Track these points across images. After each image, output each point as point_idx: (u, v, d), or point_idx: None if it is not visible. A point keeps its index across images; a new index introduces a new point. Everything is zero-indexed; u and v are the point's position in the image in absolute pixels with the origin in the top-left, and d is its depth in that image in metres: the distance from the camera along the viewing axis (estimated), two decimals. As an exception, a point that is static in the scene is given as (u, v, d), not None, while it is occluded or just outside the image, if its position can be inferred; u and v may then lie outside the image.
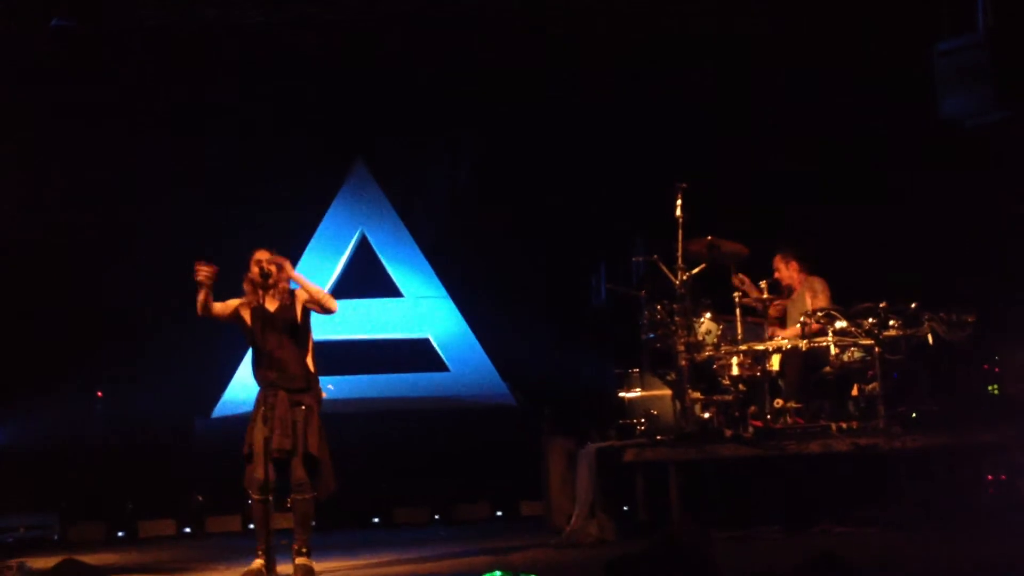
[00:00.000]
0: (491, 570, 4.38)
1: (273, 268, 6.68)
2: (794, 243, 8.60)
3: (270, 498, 6.50)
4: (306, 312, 6.80)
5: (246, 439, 6.60)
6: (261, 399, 6.60)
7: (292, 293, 6.77)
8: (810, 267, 8.48)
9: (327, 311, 6.84)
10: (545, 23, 10.27)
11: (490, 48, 10.51)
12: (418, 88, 10.84)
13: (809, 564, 3.98)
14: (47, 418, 9.97)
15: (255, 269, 6.70)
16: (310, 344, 6.82)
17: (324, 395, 6.83)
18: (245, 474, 6.61)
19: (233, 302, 6.74)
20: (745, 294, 8.11)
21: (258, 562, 6.50)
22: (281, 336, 6.66)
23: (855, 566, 4.08)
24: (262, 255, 6.74)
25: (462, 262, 11.26)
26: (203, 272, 6.50)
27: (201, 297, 6.53)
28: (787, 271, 8.48)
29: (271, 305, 6.70)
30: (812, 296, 8.27)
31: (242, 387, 10.24)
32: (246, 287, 6.73)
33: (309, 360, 6.77)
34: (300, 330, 6.74)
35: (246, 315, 6.71)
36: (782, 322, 8.48)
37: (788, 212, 9.72)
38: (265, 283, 6.67)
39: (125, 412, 10.25)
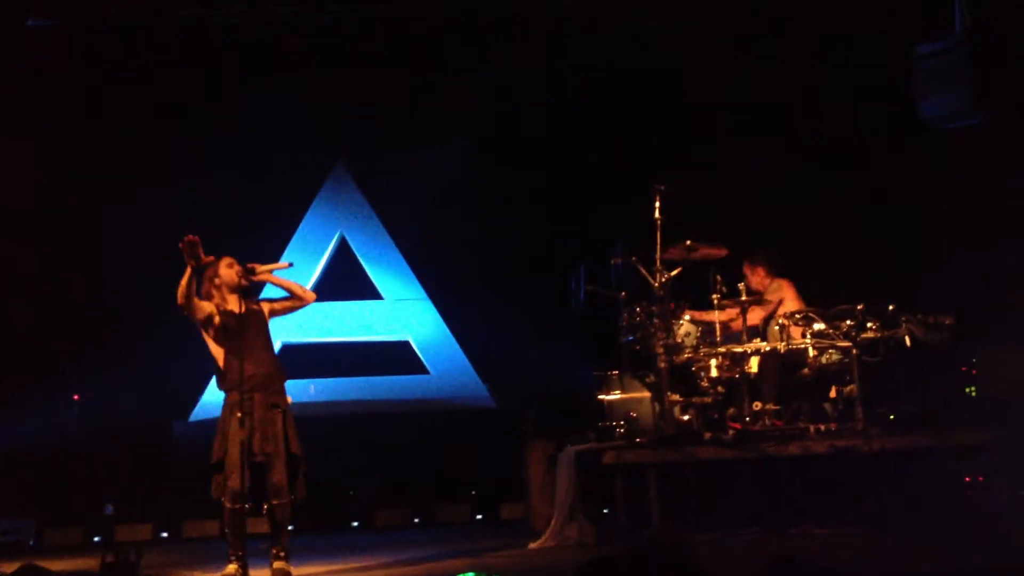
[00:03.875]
0: (467, 572, 4.34)
1: (259, 267, 6.64)
2: (761, 248, 8.60)
3: (246, 506, 6.41)
4: (268, 318, 6.76)
5: (215, 448, 6.49)
6: (233, 404, 6.45)
7: (257, 299, 6.76)
8: (777, 270, 8.49)
9: (305, 302, 6.84)
10: (524, 26, 10.29)
11: (470, 51, 10.52)
12: (399, 91, 10.82)
13: (768, 568, 3.95)
14: (24, 422, 9.89)
15: (230, 273, 6.63)
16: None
17: (290, 400, 6.77)
18: (212, 484, 6.49)
19: (205, 302, 6.64)
20: (724, 295, 8.10)
21: (232, 567, 6.42)
22: (256, 339, 6.60)
23: (818, 567, 4.06)
24: (231, 260, 6.68)
25: (442, 264, 11.24)
26: (188, 250, 6.38)
27: (186, 280, 6.40)
28: (754, 277, 8.48)
29: (239, 308, 6.55)
30: (779, 296, 8.29)
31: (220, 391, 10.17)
32: (213, 292, 6.63)
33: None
34: (269, 335, 6.72)
35: (216, 317, 6.60)
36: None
37: (765, 213, 9.74)
38: (248, 285, 6.60)
39: (103, 416, 10.16)
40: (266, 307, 6.78)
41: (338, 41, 10.51)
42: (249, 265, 6.64)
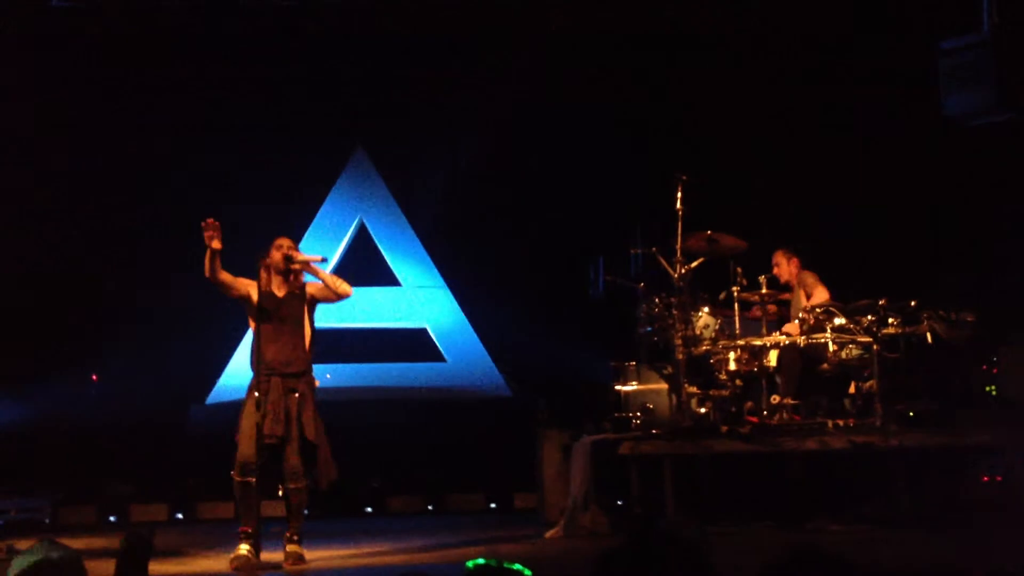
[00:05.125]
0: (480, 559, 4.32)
1: (298, 255, 6.67)
2: (793, 239, 8.56)
3: (252, 480, 6.43)
4: (312, 304, 6.81)
5: (238, 425, 6.54)
6: (254, 385, 6.54)
7: (303, 284, 6.78)
8: (805, 263, 8.45)
9: (343, 296, 6.85)
10: (546, 14, 10.26)
11: (490, 38, 10.49)
12: (419, 77, 10.80)
13: (790, 559, 3.89)
14: (42, 401, 9.94)
15: (277, 255, 6.68)
16: (311, 336, 6.80)
17: (317, 384, 6.78)
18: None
19: (245, 280, 6.69)
20: (744, 288, 8.05)
21: (244, 547, 6.42)
22: (285, 323, 6.65)
23: (841, 560, 4.00)
24: (286, 241, 6.75)
25: (460, 252, 11.24)
26: (208, 231, 6.41)
27: (207, 259, 6.46)
28: (788, 267, 8.43)
29: (280, 291, 6.69)
30: (805, 290, 8.23)
31: (237, 374, 10.21)
32: (261, 271, 6.67)
33: (308, 350, 6.76)
34: (303, 321, 6.74)
35: (254, 296, 6.65)
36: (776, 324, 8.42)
37: (788, 207, 9.69)
38: (287, 269, 6.66)
39: (120, 397, 10.23)
40: (309, 294, 6.82)
41: (357, 27, 10.50)
42: (288, 252, 6.70)
